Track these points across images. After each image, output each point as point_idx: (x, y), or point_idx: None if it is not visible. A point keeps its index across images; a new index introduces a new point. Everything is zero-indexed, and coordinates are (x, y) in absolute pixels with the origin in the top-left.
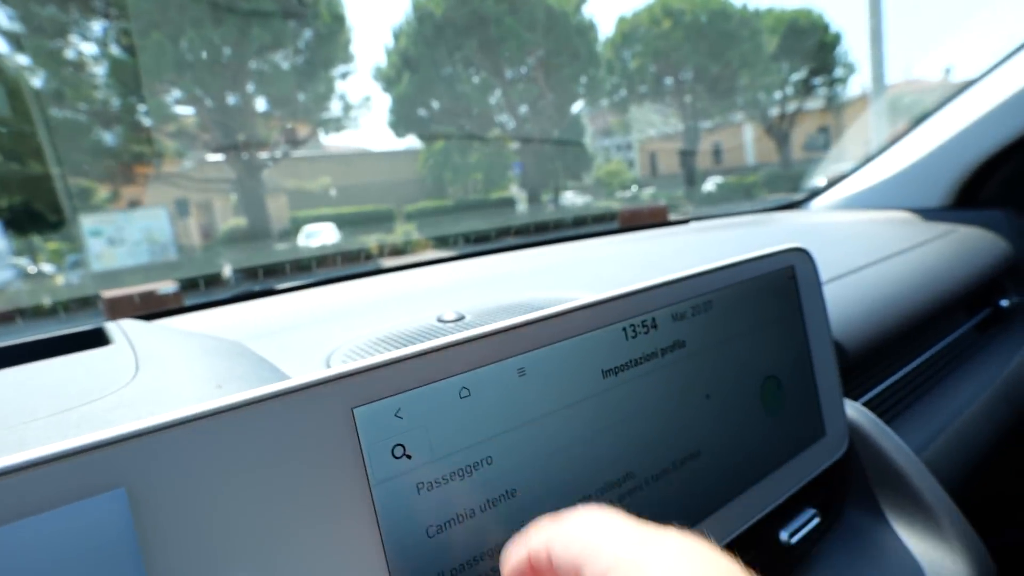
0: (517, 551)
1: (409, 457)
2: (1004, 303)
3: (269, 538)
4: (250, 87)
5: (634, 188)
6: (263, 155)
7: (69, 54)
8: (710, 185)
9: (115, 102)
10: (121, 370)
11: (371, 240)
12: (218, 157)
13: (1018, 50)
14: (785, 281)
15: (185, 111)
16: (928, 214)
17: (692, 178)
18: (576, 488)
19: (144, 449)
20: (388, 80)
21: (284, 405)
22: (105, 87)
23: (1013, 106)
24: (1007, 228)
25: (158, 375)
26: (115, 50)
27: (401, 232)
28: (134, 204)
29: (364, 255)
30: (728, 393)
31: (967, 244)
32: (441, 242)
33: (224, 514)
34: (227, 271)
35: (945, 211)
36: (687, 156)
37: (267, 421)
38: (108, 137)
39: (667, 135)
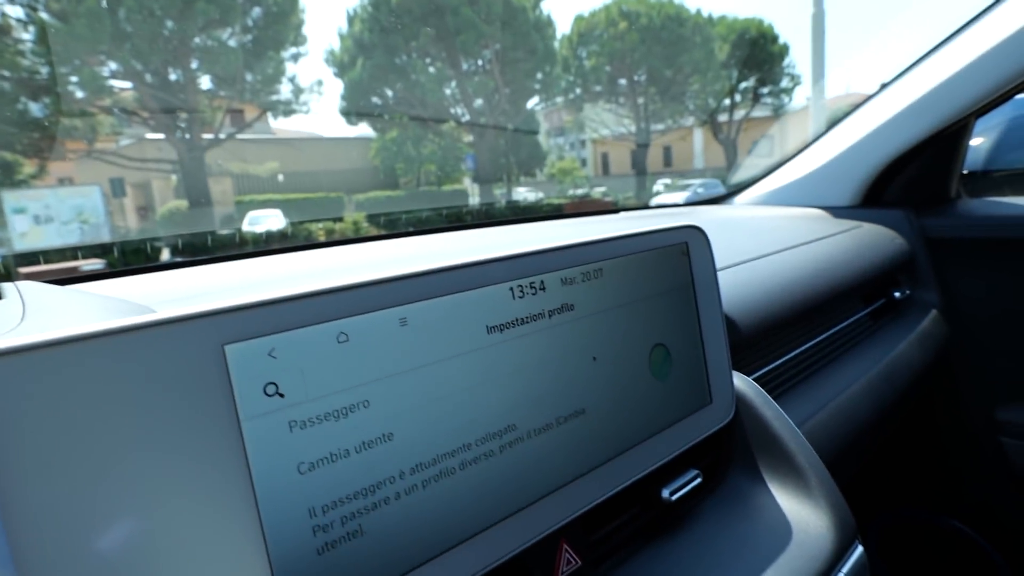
0: None
1: (282, 396)
2: (897, 294)
3: (134, 470)
4: (194, 64)
5: (586, 186)
6: (207, 136)
7: None
8: (659, 186)
9: (43, 71)
10: (3, 320)
11: (318, 228)
12: (158, 136)
13: (920, 60)
14: (678, 256)
15: (122, 85)
16: (837, 211)
17: (642, 178)
18: (455, 435)
19: None
20: (341, 65)
21: (152, 338)
22: (32, 54)
23: (911, 114)
24: (906, 227)
25: (43, 325)
26: (44, 15)
27: (350, 222)
28: (65, 181)
29: (304, 239)
30: (616, 357)
31: (868, 240)
32: (386, 227)
33: (86, 445)
34: (165, 254)
35: (853, 209)
36: (638, 157)
37: (134, 353)
38: (35, 108)
39: (620, 135)
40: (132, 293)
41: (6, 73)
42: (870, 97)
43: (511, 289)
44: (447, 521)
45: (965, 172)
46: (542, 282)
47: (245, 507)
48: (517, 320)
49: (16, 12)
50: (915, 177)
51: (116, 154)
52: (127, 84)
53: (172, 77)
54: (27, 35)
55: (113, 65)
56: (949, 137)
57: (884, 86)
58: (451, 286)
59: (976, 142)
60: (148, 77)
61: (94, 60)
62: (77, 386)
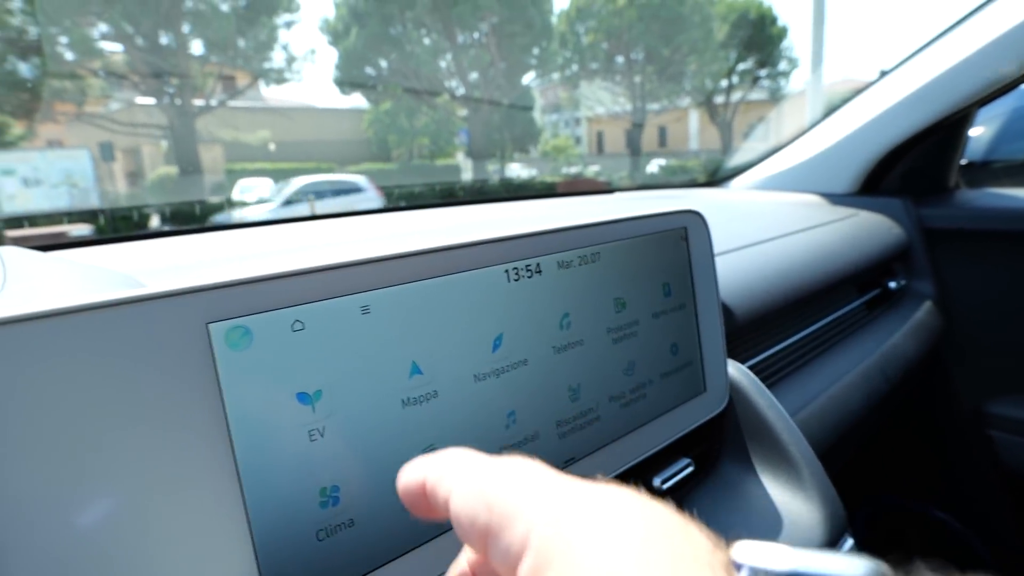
0: (414, 474)
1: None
2: (892, 285)
3: (115, 448)
4: (185, 27)
5: (580, 164)
6: (198, 102)
7: None
8: (653, 167)
9: (32, 31)
10: None
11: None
12: (148, 100)
13: (923, 48)
14: (677, 241)
15: (112, 48)
16: (835, 199)
17: (637, 159)
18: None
19: None
20: (335, 34)
21: (137, 313)
22: (22, 13)
23: (913, 102)
24: (903, 216)
25: (24, 294)
26: None
27: None
28: (53, 144)
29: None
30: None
31: (865, 228)
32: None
33: (65, 422)
34: (154, 222)
35: (851, 197)
36: (633, 136)
37: (117, 328)
38: (24, 69)
39: (615, 114)
40: (118, 262)
41: None
42: (871, 84)
43: (506, 271)
44: None
45: (964, 162)
46: (538, 265)
47: (229, 488)
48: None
49: None
50: (914, 166)
51: (106, 118)
52: (117, 47)
53: (163, 41)
54: None
55: (103, 27)
56: (950, 126)
57: (884, 73)
58: (448, 267)
59: (976, 132)
60: (139, 40)
61: (84, 21)
62: (55, 361)
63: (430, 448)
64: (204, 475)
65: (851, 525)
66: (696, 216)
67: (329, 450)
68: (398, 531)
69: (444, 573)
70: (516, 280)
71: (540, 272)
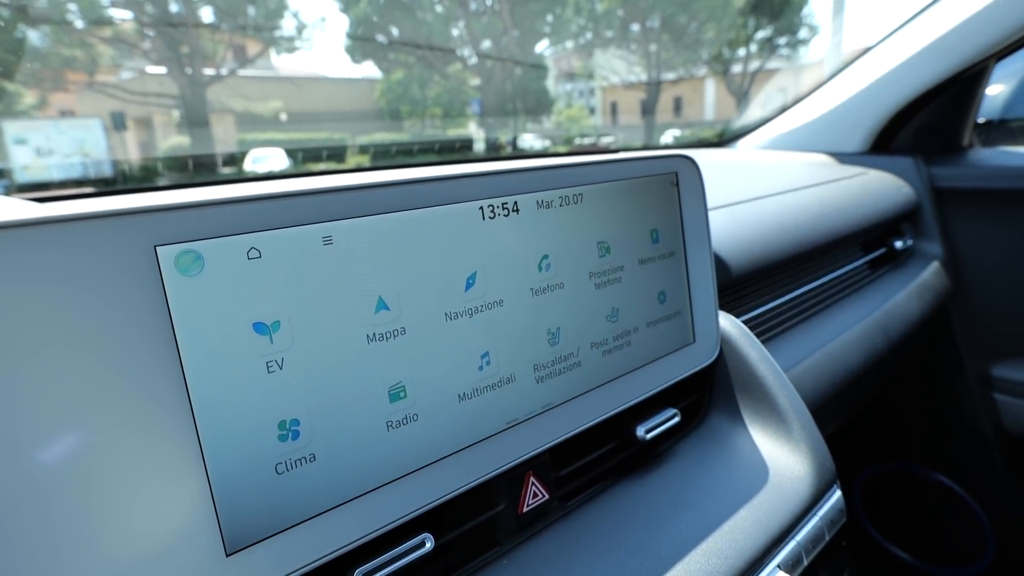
0: None
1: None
2: (898, 244)
3: (59, 371)
4: None
5: (593, 135)
6: (209, 71)
7: None
8: (668, 137)
9: None
10: None
11: (319, 168)
12: (159, 69)
13: (934, 2)
14: (667, 187)
15: (122, 15)
16: (844, 158)
17: (651, 129)
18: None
19: None
20: (346, 1)
21: (77, 233)
22: None
23: (925, 57)
24: (913, 175)
25: None
26: None
27: (353, 163)
28: (66, 114)
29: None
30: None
31: (872, 186)
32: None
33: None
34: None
35: (860, 156)
36: (648, 106)
37: (58, 249)
38: (34, 36)
39: (630, 84)
40: None
41: None
42: (882, 39)
43: (481, 208)
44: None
45: (980, 121)
46: (516, 204)
47: (181, 417)
48: None
49: None
50: (926, 124)
51: (117, 87)
52: (127, 14)
53: (173, 8)
54: None
55: None
56: (965, 82)
57: (896, 28)
58: (417, 200)
59: (994, 90)
60: (149, 7)
61: None
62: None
63: (398, 386)
64: (154, 404)
65: (852, 489)
66: (688, 161)
67: (288, 383)
68: (363, 469)
69: (408, 514)
70: (492, 218)
71: (517, 211)
